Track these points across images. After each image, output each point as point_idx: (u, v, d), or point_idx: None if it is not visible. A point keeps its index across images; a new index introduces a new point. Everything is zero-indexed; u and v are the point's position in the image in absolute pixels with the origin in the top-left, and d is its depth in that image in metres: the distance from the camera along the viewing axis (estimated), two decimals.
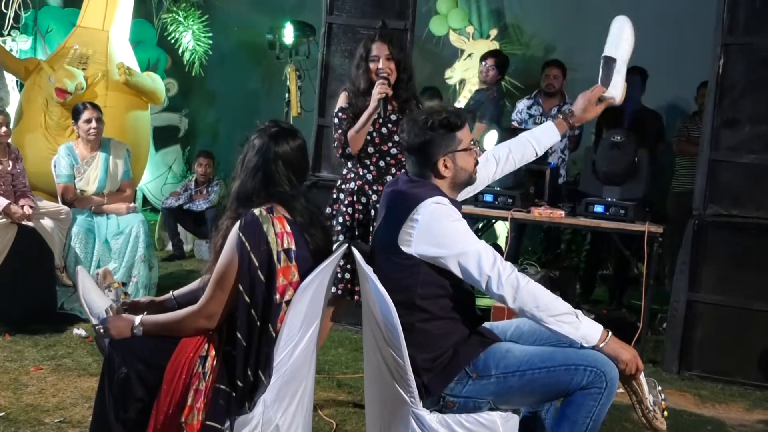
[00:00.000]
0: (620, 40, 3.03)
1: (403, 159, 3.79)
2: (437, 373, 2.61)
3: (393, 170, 3.83)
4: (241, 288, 2.54)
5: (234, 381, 2.55)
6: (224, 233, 2.63)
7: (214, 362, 2.58)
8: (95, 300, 2.78)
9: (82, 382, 4.00)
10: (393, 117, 3.79)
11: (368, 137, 3.77)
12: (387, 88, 3.68)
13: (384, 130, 3.78)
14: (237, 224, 2.57)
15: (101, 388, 2.60)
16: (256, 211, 2.58)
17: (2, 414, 3.58)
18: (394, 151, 3.80)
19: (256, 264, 2.54)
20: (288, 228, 2.61)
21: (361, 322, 2.88)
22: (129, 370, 2.54)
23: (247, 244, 2.53)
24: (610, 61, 3.03)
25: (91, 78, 6.56)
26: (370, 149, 3.80)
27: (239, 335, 2.54)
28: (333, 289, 3.60)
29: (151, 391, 2.54)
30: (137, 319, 2.64)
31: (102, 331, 2.63)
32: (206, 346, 2.59)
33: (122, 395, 2.54)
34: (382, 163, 3.82)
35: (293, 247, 2.60)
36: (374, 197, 3.80)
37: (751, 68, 4.60)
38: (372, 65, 3.72)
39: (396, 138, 3.78)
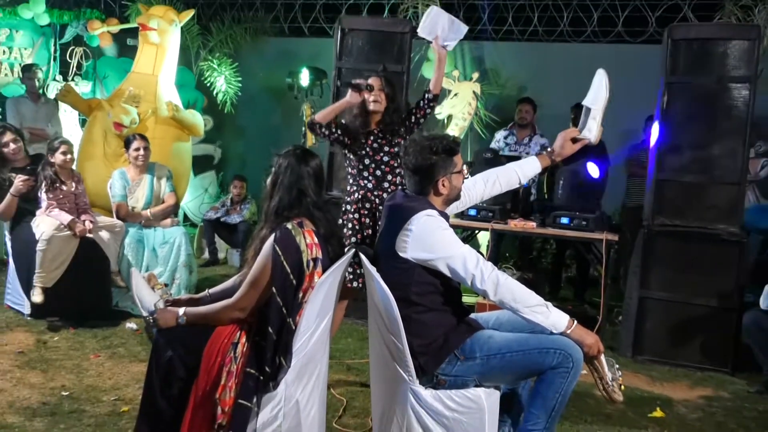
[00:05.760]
0: (598, 93, 3.01)
1: (397, 168, 3.82)
2: (431, 356, 2.61)
3: (389, 177, 3.86)
4: (274, 290, 2.54)
5: (262, 366, 2.55)
6: (261, 240, 2.63)
7: (245, 348, 2.58)
8: (146, 296, 2.78)
9: (133, 367, 4.00)
10: (380, 135, 3.85)
11: (363, 152, 3.85)
12: (358, 96, 3.79)
13: (375, 144, 3.84)
14: (272, 237, 2.58)
15: (150, 370, 2.60)
16: (289, 225, 2.60)
17: (67, 393, 3.58)
18: (386, 158, 3.85)
19: (288, 270, 2.55)
20: (316, 240, 2.62)
21: (367, 316, 2.88)
22: (173, 354, 2.54)
23: (280, 253, 2.54)
24: (587, 111, 3.03)
25: (142, 114, 6.57)
26: (367, 161, 3.86)
27: (270, 330, 2.54)
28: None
29: (191, 371, 2.54)
30: (181, 310, 2.65)
31: (152, 321, 2.63)
32: (237, 334, 2.60)
33: (167, 375, 2.54)
34: (378, 172, 3.86)
35: (320, 256, 2.62)
36: (377, 200, 3.84)
37: (690, 102, 4.61)
38: (367, 94, 3.81)
39: (386, 148, 3.83)
